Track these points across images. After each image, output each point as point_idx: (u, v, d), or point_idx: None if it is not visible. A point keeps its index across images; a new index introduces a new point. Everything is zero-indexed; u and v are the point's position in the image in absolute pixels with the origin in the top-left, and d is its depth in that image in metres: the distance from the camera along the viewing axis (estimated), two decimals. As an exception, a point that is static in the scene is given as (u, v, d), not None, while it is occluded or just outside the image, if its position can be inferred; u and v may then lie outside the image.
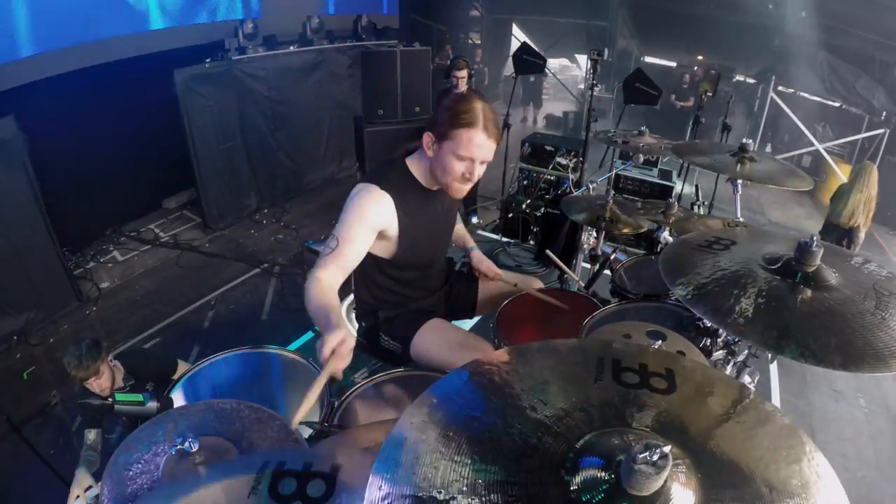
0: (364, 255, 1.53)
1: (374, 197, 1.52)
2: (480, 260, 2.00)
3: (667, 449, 0.58)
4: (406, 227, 1.58)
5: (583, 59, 9.69)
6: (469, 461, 0.65)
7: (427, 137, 1.53)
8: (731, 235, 1.31)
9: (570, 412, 0.73)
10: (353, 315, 1.97)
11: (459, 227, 2.10)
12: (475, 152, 1.47)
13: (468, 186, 1.58)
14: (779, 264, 1.12)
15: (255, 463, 0.90)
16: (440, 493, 0.61)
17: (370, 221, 1.51)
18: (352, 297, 1.89)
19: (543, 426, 0.70)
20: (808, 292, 1.05)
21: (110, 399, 1.16)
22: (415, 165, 1.62)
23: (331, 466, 0.89)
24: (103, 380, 2.18)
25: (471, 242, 2.07)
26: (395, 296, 1.78)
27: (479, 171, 1.53)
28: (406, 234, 1.59)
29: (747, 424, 0.74)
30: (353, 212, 1.50)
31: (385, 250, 1.63)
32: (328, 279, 1.41)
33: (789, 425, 0.74)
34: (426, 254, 1.73)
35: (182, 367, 2.46)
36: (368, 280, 1.74)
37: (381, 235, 1.57)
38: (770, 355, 1.48)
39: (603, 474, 0.62)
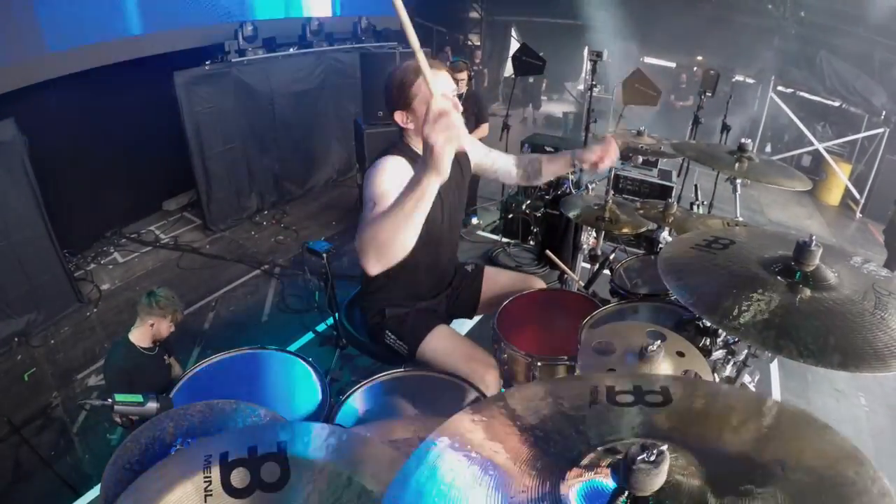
0: None
1: (396, 161, 1.54)
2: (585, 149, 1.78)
3: (664, 447, 0.59)
4: None
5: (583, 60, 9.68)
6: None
7: (399, 115, 1.59)
8: (729, 235, 1.31)
9: (568, 434, 0.73)
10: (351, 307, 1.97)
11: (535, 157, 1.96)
12: (440, 88, 1.47)
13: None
14: (778, 264, 1.12)
15: (196, 461, 0.86)
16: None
17: (399, 181, 1.44)
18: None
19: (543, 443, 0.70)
20: (808, 292, 1.05)
21: (110, 399, 1.17)
22: (413, 142, 1.66)
23: (276, 445, 0.87)
24: (166, 326, 2.38)
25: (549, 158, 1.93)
26: (403, 286, 1.78)
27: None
28: None
29: (749, 423, 0.74)
30: (378, 178, 1.46)
31: None
32: None
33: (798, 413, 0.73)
34: (438, 227, 1.72)
35: (175, 368, 2.53)
36: None
37: None
38: (770, 355, 1.47)
39: (605, 479, 0.62)
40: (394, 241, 1.19)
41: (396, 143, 1.66)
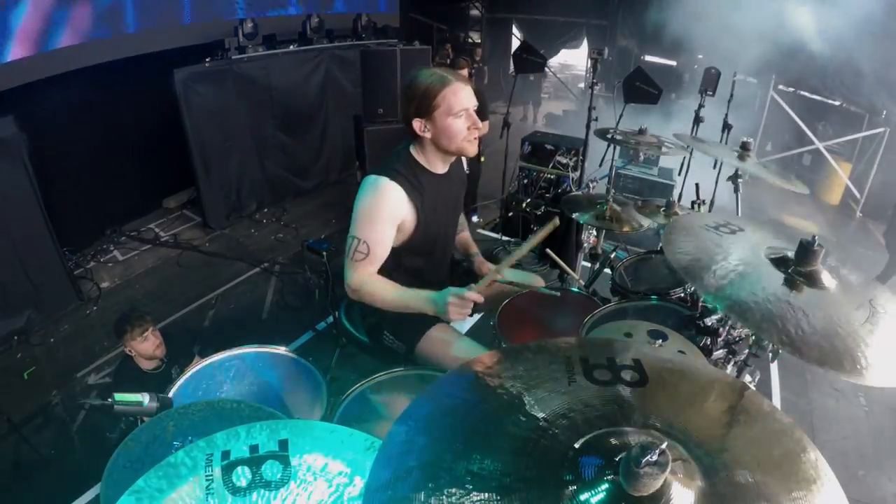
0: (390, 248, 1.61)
1: (387, 190, 1.56)
2: (482, 265, 2.00)
3: (664, 445, 0.59)
4: (420, 213, 1.62)
5: (583, 58, 9.68)
6: (468, 460, 0.65)
7: (417, 123, 1.58)
8: (741, 224, 1.31)
9: (561, 416, 0.73)
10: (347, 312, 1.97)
11: (465, 234, 2.11)
12: (465, 102, 1.56)
13: (476, 138, 1.63)
14: (780, 257, 1.13)
15: (197, 460, 0.87)
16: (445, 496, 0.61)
17: (391, 216, 1.57)
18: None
19: (540, 429, 0.70)
20: (804, 289, 1.06)
21: (110, 399, 1.16)
22: (418, 153, 1.66)
23: (277, 443, 0.89)
24: (148, 343, 2.34)
25: (474, 248, 2.08)
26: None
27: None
28: (420, 220, 1.63)
29: (721, 406, 0.77)
30: (372, 210, 1.55)
31: (398, 239, 1.66)
32: (373, 276, 1.58)
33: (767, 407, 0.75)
34: (435, 238, 1.74)
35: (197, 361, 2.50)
36: None
37: (398, 227, 1.62)
38: (771, 354, 1.47)
39: (602, 475, 0.62)
40: (385, 307, 1.61)
41: (401, 157, 1.65)
